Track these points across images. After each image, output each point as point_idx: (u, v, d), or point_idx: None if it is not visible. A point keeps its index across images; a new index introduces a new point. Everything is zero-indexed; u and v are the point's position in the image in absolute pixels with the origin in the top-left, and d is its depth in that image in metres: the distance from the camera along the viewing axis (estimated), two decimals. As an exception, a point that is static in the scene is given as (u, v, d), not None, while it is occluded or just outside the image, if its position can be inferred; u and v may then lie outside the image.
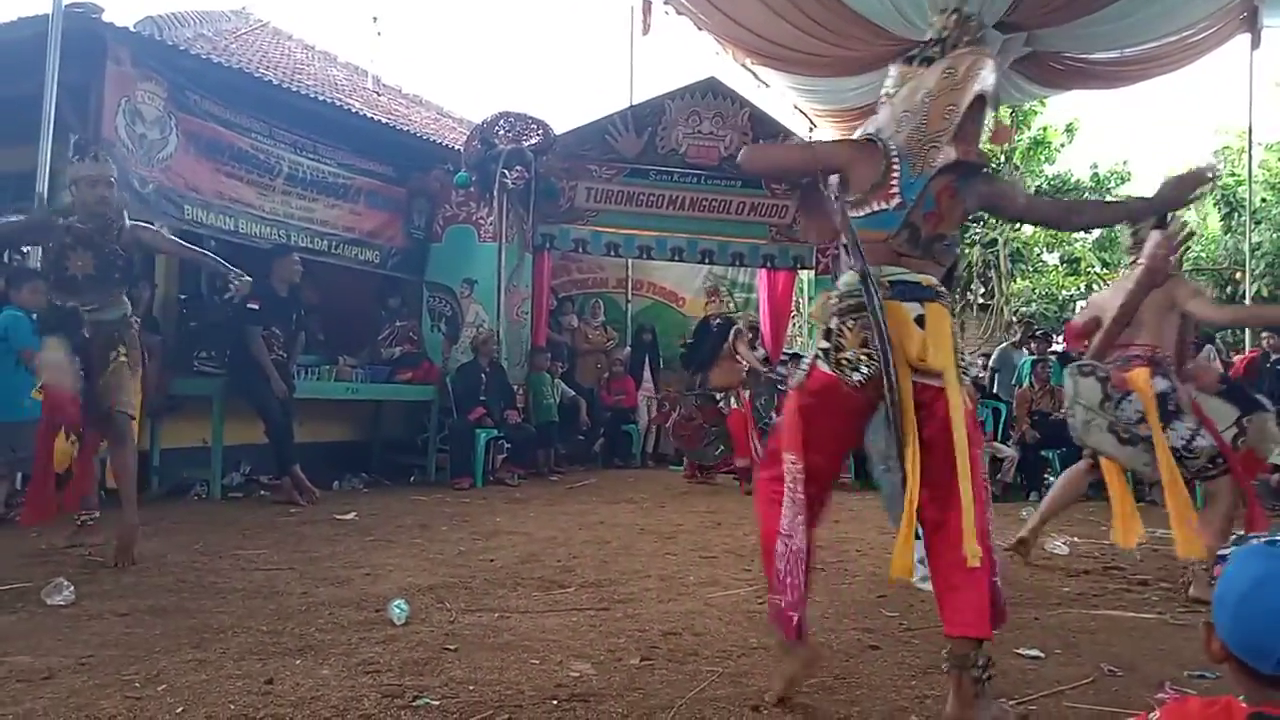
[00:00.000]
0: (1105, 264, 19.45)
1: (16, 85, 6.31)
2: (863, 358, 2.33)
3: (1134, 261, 4.19)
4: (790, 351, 9.84)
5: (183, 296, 7.84)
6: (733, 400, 8.34)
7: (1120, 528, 4.16)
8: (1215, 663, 1.31)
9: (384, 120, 9.37)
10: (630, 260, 11.11)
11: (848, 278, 2.42)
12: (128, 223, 4.47)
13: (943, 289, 2.45)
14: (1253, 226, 12.23)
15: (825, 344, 2.42)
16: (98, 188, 4.34)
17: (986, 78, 2.45)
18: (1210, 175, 2.80)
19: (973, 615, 2.28)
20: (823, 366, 2.42)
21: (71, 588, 3.49)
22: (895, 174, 2.38)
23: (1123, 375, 4.03)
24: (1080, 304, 19.51)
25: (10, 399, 5.33)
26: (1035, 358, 9.04)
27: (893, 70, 2.66)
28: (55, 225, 4.35)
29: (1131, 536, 4.13)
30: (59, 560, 4.21)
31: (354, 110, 8.95)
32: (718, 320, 8.57)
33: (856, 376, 2.34)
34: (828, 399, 2.42)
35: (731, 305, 9.24)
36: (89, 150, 4.55)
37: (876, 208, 2.40)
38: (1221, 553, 1.35)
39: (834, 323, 2.41)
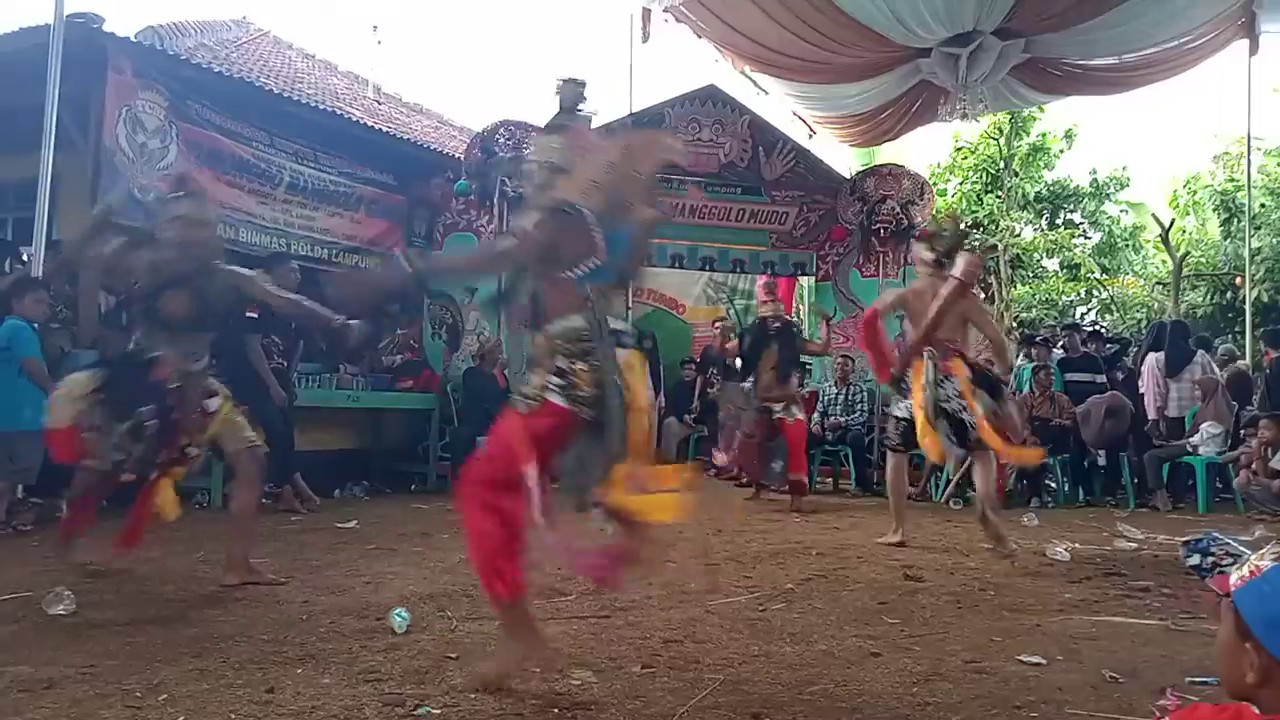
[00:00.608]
0: (1105, 269, 19.46)
1: (18, 95, 6.34)
2: (592, 394, 2.70)
3: (934, 275, 5.37)
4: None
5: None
6: (794, 410, 7.53)
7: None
8: (1252, 687, 1.27)
9: (384, 129, 9.40)
10: (630, 267, 11.11)
11: (572, 323, 2.75)
12: (224, 268, 4.16)
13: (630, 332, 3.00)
14: (1252, 232, 12.23)
15: (559, 380, 2.72)
16: (198, 229, 4.05)
17: (664, 152, 3.17)
18: None
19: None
20: (557, 400, 2.71)
21: (72, 597, 3.48)
22: (598, 235, 2.79)
23: (947, 363, 5.23)
24: (1080, 309, 19.55)
25: (12, 409, 5.34)
26: (1037, 364, 9.04)
27: (542, 141, 3.12)
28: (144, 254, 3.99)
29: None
30: (60, 570, 4.20)
31: (354, 119, 8.98)
32: (777, 323, 7.71)
33: (588, 411, 2.70)
34: (559, 426, 2.73)
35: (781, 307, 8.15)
36: (190, 187, 4.25)
37: (590, 266, 2.79)
38: (1189, 557, 1.35)
39: (563, 363, 2.73)
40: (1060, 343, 9.92)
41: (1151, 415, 8.57)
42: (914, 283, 5.80)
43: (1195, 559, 1.38)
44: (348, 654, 2.95)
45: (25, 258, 6.91)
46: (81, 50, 6.12)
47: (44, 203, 5.90)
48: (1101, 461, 8.40)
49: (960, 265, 5.23)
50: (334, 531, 5.69)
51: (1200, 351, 8.78)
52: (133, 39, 6.87)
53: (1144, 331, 12.64)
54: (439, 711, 2.43)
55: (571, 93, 3.19)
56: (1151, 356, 8.74)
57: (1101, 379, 8.83)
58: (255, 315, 6.55)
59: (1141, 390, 8.73)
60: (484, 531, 2.67)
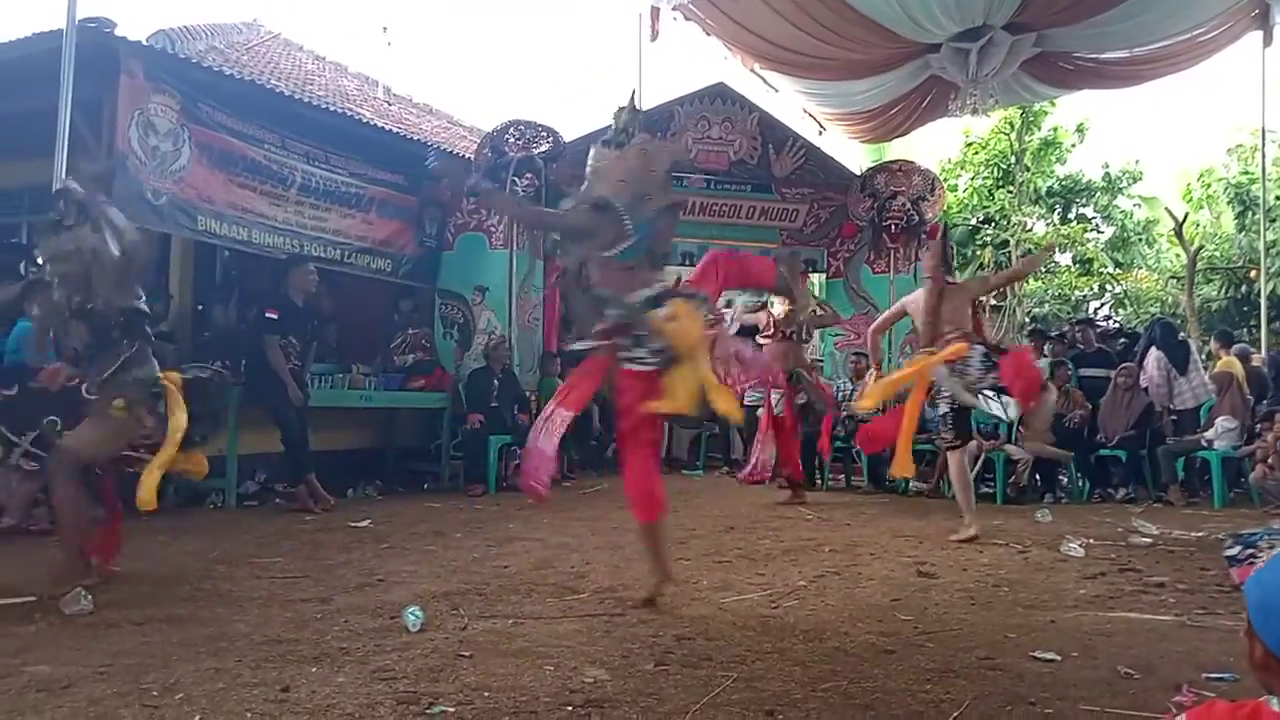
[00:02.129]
0: (1118, 264, 19.35)
1: (32, 99, 6.38)
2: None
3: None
4: None
5: (199, 306, 7.91)
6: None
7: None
8: (1257, 670, 1.29)
9: (395, 130, 9.41)
10: (641, 265, 11.12)
11: (641, 295, 3.56)
12: None
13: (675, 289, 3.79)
14: (1268, 224, 12.13)
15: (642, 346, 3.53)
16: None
17: (668, 153, 3.99)
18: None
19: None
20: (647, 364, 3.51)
21: (90, 598, 3.51)
22: (627, 223, 3.59)
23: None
24: (1093, 304, 19.44)
25: None
26: (1054, 360, 9.00)
27: (594, 150, 3.89)
28: None
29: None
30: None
31: (365, 120, 9.00)
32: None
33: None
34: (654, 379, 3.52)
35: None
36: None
37: (621, 246, 3.59)
38: (1231, 548, 1.35)
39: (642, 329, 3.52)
40: (1074, 337, 9.87)
41: (1157, 408, 8.56)
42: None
43: (1235, 550, 1.39)
44: (362, 652, 2.96)
45: (40, 260, 6.96)
46: (93, 54, 6.15)
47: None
48: (1105, 452, 8.36)
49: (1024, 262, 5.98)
50: (347, 531, 5.72)
51: (1190, 340, 8.86)
52: (144, 43, 6.90)
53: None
54: (453, 709, 2.44)
55: (626, 117, 3.88)
56: (1154, 353, 8.73)
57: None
58: (274, 317, 6.60)
59: (1144, 384, 8.69)
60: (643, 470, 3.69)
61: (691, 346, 3.45)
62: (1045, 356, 9.41)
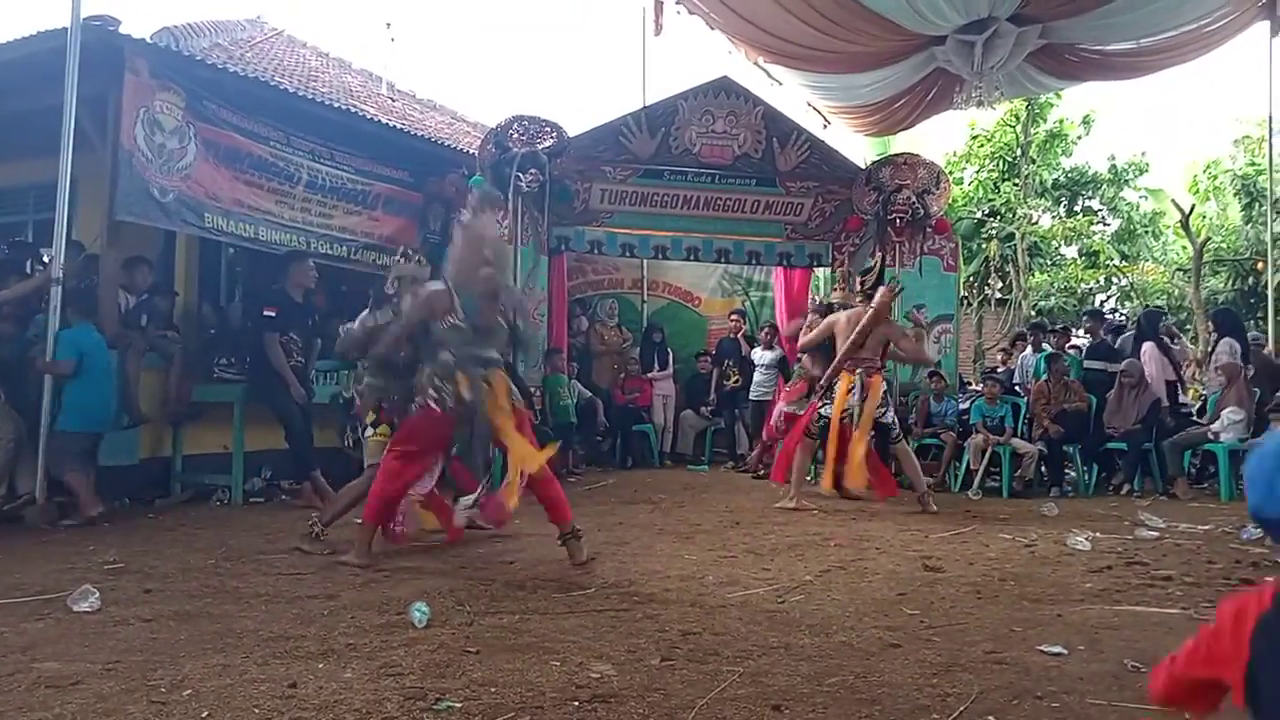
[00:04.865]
0: (1124, 256, 19.28)
1: (37, 98, 6.39)
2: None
3: (862, 303, 6.91)
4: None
5: (204, 304, 7.91)
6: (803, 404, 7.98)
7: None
8: None
9: (399, 126, 9.40)
10: (645, 261, 11.11)
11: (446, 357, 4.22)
12: None
13: (498, 358, 4.42)
14: (1274, 216, 12.06)
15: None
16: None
17: (492, 237, 4.61)
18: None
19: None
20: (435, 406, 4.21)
21: (98, 594, 3.53)
22: (456, 301, 4.29)
23: (869, 379, 6.75)
24: (1099, 297, 19.37)
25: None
26: (1053, 352, 8.98)
27: (456, 233, 4.62)
28: None
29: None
30: (85, 568, 4.26)
31: (370, 116, 8.99)
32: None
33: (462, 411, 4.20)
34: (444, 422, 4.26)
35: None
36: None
37: (451, 322, 4.27)
38: None
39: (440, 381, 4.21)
40: (1083, 329, 9.84)
41: (1164, 402, 8.55)
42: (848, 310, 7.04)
43: None
44: (368, 648, 2.97)
45: (46, 259, 6.98)
46: (98, 52, 6.15)
47: (63, 205, 5.95)
48: (1113, 446, 8.35)
49: (878, 296, 6.78)
50: (353, 528, 5.72)
51: (1227, 340, 8.72)
52: (148, 40, 6.89)
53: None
54: (460, 704, 2.45)
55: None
56: (1148, 346, 8.73)
57: (1117, 368, 8.78)
58: (273, 314, 6.60)
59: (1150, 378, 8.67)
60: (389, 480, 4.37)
61: (492, 405, 4.21)
62: (1046, 348, 9.42)
